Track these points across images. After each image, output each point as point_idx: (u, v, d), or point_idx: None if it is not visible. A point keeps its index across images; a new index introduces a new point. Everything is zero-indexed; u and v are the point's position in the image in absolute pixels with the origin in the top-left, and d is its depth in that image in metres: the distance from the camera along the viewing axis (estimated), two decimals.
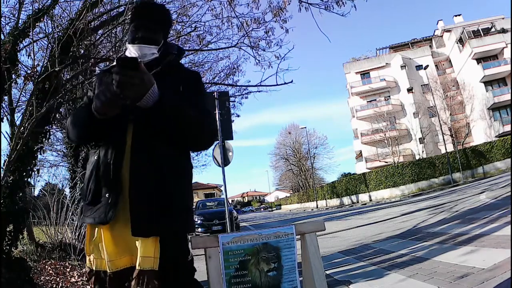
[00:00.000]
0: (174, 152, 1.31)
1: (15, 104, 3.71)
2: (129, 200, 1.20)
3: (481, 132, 28.79)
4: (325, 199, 33.06)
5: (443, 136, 25.40)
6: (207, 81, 7.73)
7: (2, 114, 3.21)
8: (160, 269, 1.19)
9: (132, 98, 1.16)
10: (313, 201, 35.23)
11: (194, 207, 14.75)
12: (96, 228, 1.25)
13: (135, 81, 1.13)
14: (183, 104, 1.26)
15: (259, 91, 6.34)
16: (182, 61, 6.96)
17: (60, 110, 4.85)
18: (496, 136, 26.37)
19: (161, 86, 1.22)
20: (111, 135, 1.28)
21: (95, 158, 1.29)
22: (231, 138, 6.95)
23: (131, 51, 1.37)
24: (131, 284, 1.20)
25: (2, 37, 3.38)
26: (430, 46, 35.99)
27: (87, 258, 1.27)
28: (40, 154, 3.85)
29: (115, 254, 1.20)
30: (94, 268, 1.24)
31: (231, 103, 7.06)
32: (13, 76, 3.33)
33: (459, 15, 34.73)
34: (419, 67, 32.99)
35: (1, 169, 2.96)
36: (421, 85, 33.18)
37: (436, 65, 33.93)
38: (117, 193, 1.21)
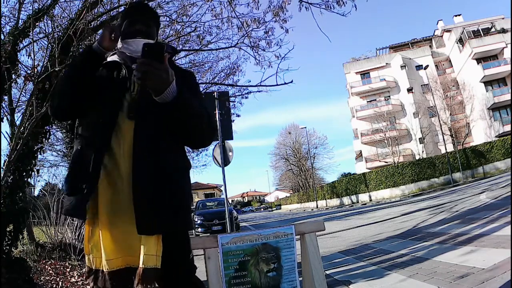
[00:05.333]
0: (176, 150, 1.34)
1: (15, 104, 3.71)
2: (133, 198, 1.18)
3: (481, 132, 28.77)
4: (325, 199, 33.04)
5: (443, 136, 25.39)
6: (207, 81, 7.74)
7: (2, 114, 3.21)
8: (163, 268, 1.20)
9: (154, 91, 1.16)
10: (313, 201, 35.22)
11: (194, 207, 14.73)
12: (95, 227, 1.25)
13: (162, 74, 1.13)
14: (194, 102, 1.28)
15: (259, 91, 6.35)
16: (183, 61, 6.92)
17: None
18: (496, 136, 26.35)
19: None
20: (97, 129, 1.26)
21: (79, 148, 1.28)
22: (231, 138, 6.95)
23: (127, 46, 1.36)
24: (126, 283, 1.22)
25: (2, 37, 3.38)
26: (430, 46, 35.97)
27: (87, 257, 1.27)
28: (40, 154, 3.86)
29: (113, 253, 1.20)
30: (93, 267, 1.24)
31: (231, 103, 7.05)
32: (13, 76, 3.34)
33: (459, 15, 34.70)
34: (419, 67, 32.96)
35: (1, 169, 2.96)
36: (421, 85, 33.16)
37: (436, 65, 33.90)
38: (92, 186, 1.21)
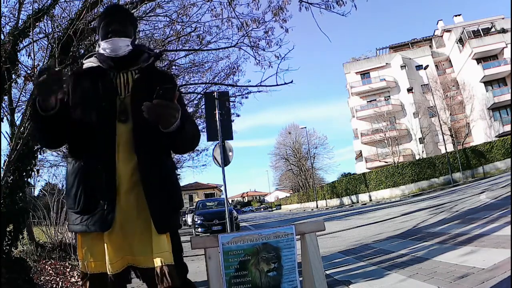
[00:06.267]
0: (168, 151, 1.42)
1: (15, 104, 3.71)
2: (147, 201, 1.24)
3: (481, 132, 28.77)
4: (325, 199, 33.04)
5: (443, 136, 25.39)
6: (207, 81, 7.74)
7: (2, 114, 3.21)
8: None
9: (164, 127, 1.21)
10: (313, 201, 35.22)
11: (194, 207, 14.72)
12: (90, 234, 1.25)
13: (175, 114, 1.18)
14: (188, 120, 1.33)
15: (259, 91, 6.33)
16: (183, 60, 6.92)
17: None
18: (496, 136, 26.35)
19: (142, 86, 1.31)
20: (95, 139, 1.26)
21: (82, 164, 1.26)
22: (231, 138, 6.95)
23: (105, 47, 1.37)
24: (125, 282, 1.28)
25: (2, 37, 3.38)
26: (430, 46, 35.97)
27: (81, 262, 1.27)
28: (40, 154, 3.86)
29: (115, 257, 1.23)
30: (88, 272, 1.24)
31: (231, 103, 7.05)
32: (13, 76, 3.34)
33: (459, 15, 34.71)
34: (419, 67, 32.96)
35: (1, 169, 2.97)
36: (421, 85, 33.16)
37: (436, 65, 33.90)
38: (112, 199, 1.22)
